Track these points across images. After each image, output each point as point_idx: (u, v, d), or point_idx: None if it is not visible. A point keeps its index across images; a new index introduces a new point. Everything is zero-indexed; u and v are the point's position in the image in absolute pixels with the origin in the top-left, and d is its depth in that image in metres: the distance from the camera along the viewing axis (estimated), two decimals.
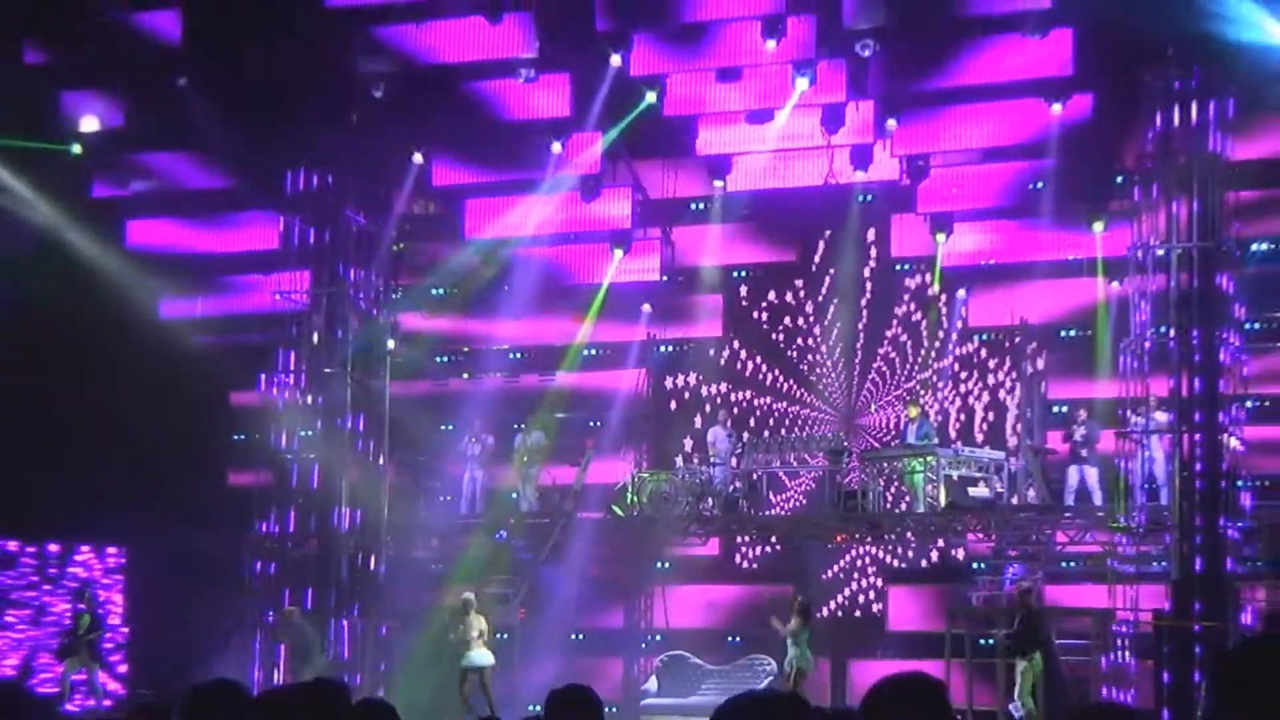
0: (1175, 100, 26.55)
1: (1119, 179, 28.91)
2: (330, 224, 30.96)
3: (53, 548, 30.52)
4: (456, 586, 29.13)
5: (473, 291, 33.23)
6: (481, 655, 27.25)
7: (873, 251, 32.03)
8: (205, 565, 29.76)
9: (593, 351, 33.28)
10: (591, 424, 32.78)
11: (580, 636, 31.40)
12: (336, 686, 7.80)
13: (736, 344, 32.96)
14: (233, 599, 29.77)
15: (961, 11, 27.79)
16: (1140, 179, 27.37)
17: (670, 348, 33.43)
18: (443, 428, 32.76)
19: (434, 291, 33.54)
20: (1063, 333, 30.61)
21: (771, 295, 32.87)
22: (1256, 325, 28.25)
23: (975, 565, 29.76)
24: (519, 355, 33.67)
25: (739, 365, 32.94)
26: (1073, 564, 28.86)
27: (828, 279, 32.42)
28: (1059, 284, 30.15)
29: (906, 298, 31.99)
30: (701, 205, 32.46)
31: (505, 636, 29.94)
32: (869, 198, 31.49)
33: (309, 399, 30.72)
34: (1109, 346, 28.80)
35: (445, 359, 33.69)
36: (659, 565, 32.21)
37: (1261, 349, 28.23)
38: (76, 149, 31.16)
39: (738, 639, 29.90)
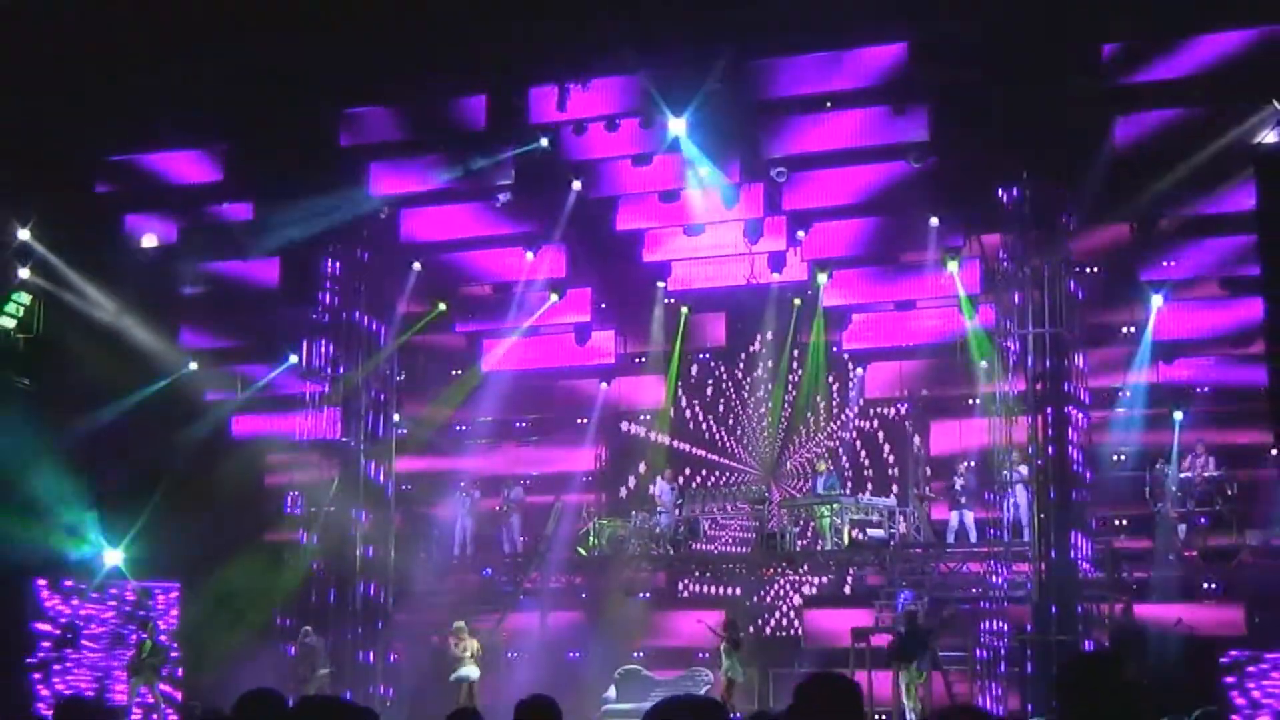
0: (1030, 214, 26.94)
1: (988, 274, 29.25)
2: (347, 320, 31.09)
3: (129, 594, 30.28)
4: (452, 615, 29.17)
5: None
6: (470, 670, 27.46)
7: (787, 338, 32.24)
8: (243, 597, 29.75)
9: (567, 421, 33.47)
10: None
11: (564, 654, 31.49)
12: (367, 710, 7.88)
13: (677, 411, 33.16)
14: (266, 625, 29.72)
15: (855, 143, 28.06)
16: (1002, 276, 27.76)
17: (624, 418, 33.55)
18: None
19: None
20: (943, 399, 30.93)
21: (705, 374, 33.16)
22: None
23: (875, 592, 29.84)
24: (501, 426, 33.76)
25: (680, 431, 33.09)
26: (954, 590, 28.96)
27: (751, 361, 32.71)
28: (939, 360, 30.50)
29: (817, 376, 32.21)
30: (648, 301, 32.64)
31: (515, 655, 30.17)
32: (799, 302, 31.68)
33: (330, 462, 30.70)
34: (981, 409, 29.09)
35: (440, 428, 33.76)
36: (642, 596, 32.22)
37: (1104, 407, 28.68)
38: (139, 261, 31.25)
39: (705, 655, 29.82)
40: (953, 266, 29.17)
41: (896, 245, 30.28)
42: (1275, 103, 24.92)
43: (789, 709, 6.14)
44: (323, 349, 31.18)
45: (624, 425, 33.79)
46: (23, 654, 29.11)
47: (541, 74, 28.80)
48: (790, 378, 32.61)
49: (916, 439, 30.88)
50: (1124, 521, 28.56)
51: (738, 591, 32.05)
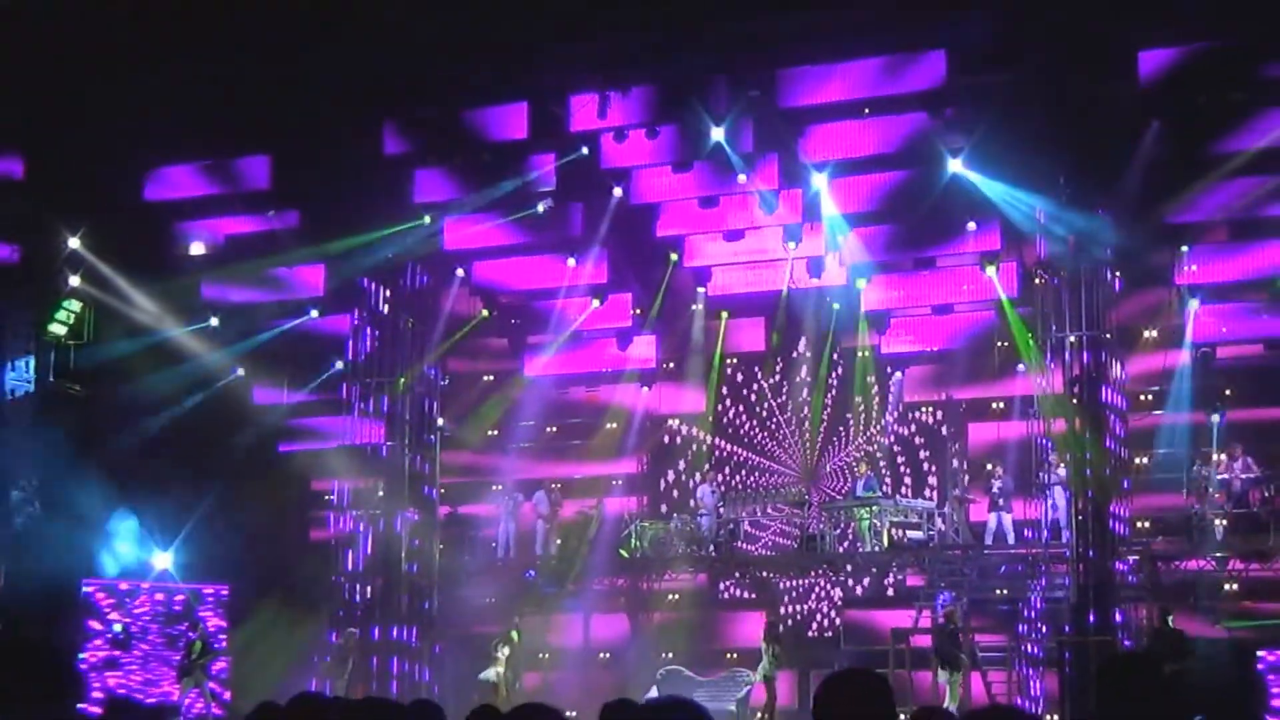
0: (1067, 218, 26.86)
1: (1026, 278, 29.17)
2: (392, 326, 31.24)
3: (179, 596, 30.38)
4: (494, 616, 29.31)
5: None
6: (497, 672, 27.73)
7: (826, 341, 32.17)
8: (291, 600, 29.91)
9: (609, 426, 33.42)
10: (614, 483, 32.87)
11: (606, 655, 31.56)
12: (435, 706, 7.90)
13: (717, 415, 33.16)
14: (314, 626, 29.87)
15: (894, 149, 28.03)
16: (1040, 279, 27.71)
17: (665, 422, 33.53)
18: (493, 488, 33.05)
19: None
20: (981, 401, 30.86)
21: (745, 378, 33.10)
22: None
23: (914, 593, 29.74)
24: (544, 429, 33.76)
25: (721, 433, 33.09)
26: (994, 591, 28.90)
27: (791, 364, 32.64)
28: (978, 363, 30.42)
29: (856, 379, 32.15)
30: (689, 305, 32.61)
31: (545, 656, 30.32)
32: (835, 305, 31.60)
33: (376, 465, 30.85)
34: (1019, 412, 29.02)
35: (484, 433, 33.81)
36: (670, 598, 32.18)
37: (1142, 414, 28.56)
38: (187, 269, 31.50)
39: (734, 655, 29.83)
40: (991, 271, 29.08)
41: (934, 250, 30.23)
42: None
43: (814, 704, 5.89)
44: (367, 354, 31.34)
45: (665, 429, 33.74)
46: (75, 654, 29.27)
47: (582, 82, 28.83)
48: (830, 381, 32.51)
49: (954, 441, 30.78)
50: (1161, 523, 28.35)
51: (777, 593, 31.96)
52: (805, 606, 31.86)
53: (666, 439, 33.73)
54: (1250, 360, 28.96)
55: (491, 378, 34.19)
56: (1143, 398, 29.29)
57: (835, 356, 32.47)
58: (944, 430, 31.26)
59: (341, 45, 27.96)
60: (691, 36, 27.31)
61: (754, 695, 28.42)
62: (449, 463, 32.76)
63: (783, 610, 31.20)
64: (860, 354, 32.10)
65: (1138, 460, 28.72)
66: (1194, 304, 28.35)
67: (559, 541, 31.58)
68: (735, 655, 29.97)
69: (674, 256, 31.21)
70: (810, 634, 31.48)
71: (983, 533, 28.84)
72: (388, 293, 31.54)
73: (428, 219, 30.50)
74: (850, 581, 31.41)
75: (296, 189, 30.91)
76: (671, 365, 33.54)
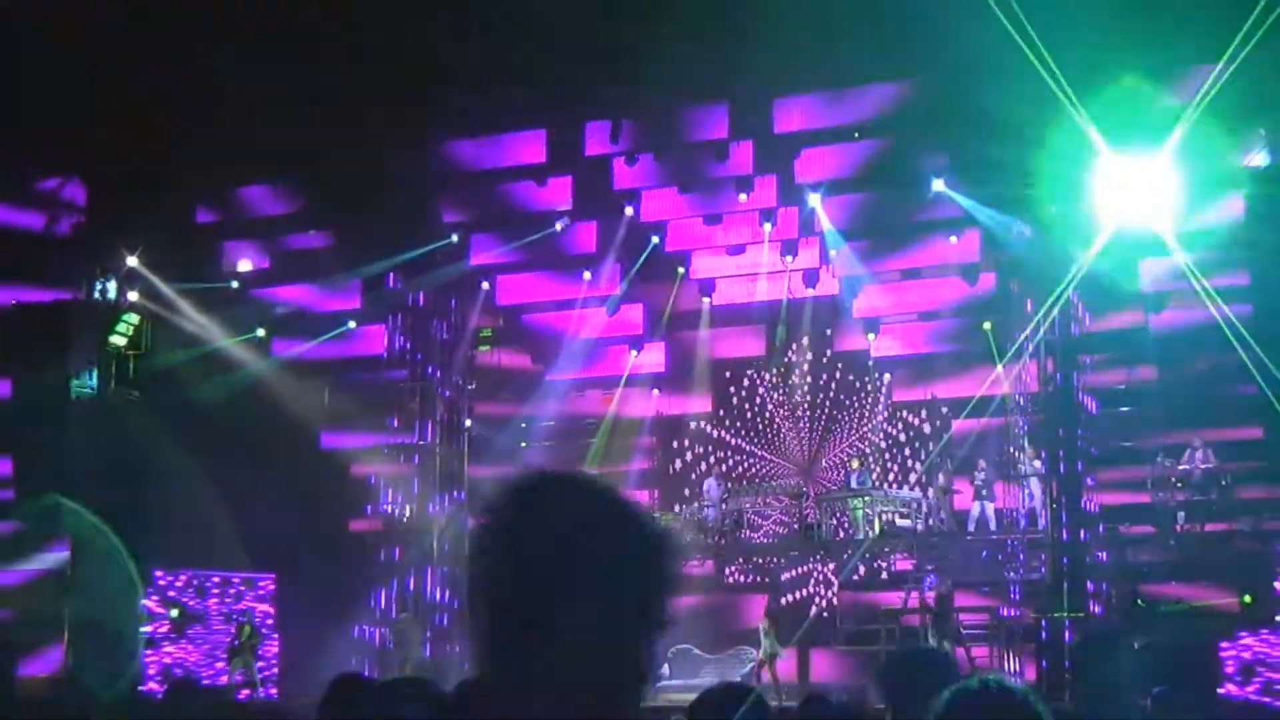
0: (1039, 231, 27.47)
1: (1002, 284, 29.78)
2: (421, 334, 32.01)
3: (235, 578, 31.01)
4: None
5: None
6: None
7: (821, 347, 32.89)
8: (333, 587, 30.53)
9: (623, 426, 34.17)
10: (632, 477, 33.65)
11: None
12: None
13: (723, 415, 33.85)
14: (356, 612, 30.60)
15: (879, 169, 28.70)
16: (1017, 288, 28.42)
17: (674, 422, 34.28)
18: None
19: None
20: (964, 399, 31.36)
21: (747, 381, 33.79)
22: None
23: (904, 576, 30.32)
24: (564, 428, 34.44)
25: (725, 431, 33.76)
26: (976, 573, 29.51)
27: (789, 368, 33.31)
28: (960, 364, 30.97)
29: (849, 381, 32.85)
30: (693, 314, 33.34)
31: None
32: (830, 313, 32.34)
33: (410, 463, 31.70)
34: (999, 409, 29.60)
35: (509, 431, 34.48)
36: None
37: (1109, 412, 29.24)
38: (234, 285, 32.11)
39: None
40: (971, 279, 29.81)
41: (919, 260, 30.91)
42: (1262, 130, 25.51)
43: (879, 680, 6.00)
44: (398, 361, 32.11)
45: (674, 428, 34.40)
46: (136, 635, 29.88)
47: (595, 111, 29.50)
48: (824, 383, 33.20)
49: (941, 436, 31.38)
50: (1129, 510, 28.94)
51: (777, 578, 32.60)
52: (805, 590, 32.53)
53: (675, 439, 34.45)
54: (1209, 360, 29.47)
55: (518, 383, 34.87)
56: (1112, 394, 29.82)
57: (828, 360, 33.19)
58: (929, 427, 31.95)
59: (367, 69, 28.38)
60: (693, 71, 27.93)
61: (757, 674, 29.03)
62: (476, 462, 33.40)
63: (783, 594, 31.85)
64: (852, 358, 32.81)
65: (1107, 450, 29.27)
66: (1155, 306, 28.93)
67: None
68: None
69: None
70: (809, 615, 32.09)
71: (966, 520, 29.49)
72: (418, 304, 32.29)
73: (454, 237, 31.20)
74: (845, 566, 32.00)
75: (328, 211, 31.54)
76: (680, 370, 34.18)
